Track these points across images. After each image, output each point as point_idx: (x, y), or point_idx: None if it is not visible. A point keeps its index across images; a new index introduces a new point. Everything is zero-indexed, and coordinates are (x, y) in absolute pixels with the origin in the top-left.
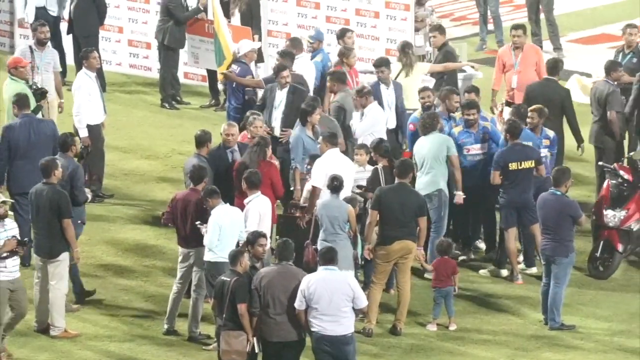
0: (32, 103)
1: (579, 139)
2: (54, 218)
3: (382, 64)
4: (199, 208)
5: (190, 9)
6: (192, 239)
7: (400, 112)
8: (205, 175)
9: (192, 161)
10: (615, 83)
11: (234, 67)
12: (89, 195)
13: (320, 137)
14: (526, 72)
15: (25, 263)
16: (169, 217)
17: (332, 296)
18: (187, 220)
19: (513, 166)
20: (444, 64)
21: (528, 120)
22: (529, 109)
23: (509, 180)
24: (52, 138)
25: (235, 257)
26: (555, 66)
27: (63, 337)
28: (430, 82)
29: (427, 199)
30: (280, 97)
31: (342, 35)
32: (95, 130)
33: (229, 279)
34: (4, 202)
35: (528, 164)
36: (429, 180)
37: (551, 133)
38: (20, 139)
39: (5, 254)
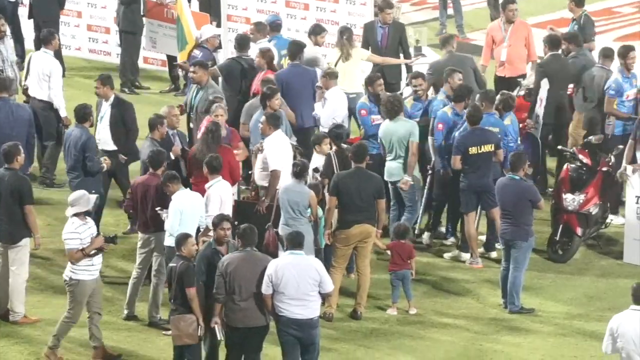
0: None
1: None
2: (15, 204)
3: None
4: (159, 192)
5: None
6: (152, 224)
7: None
8: (164, 159)
9: (145, 145)
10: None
11: (197, 52)
12: (105, 165)
13: (263, 118)
14: (516, 47)
15: None
16: (130, 203)
17: (300, 281)
18: (147, 205)
19: (473, 150)
20: (383, 58)
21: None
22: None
23: (469, 164)
24: (29, 122)
25: (179, 241)
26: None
27: (23, 323)
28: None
29: (398, 185)
30: (104, 110)
31: (316, 32)
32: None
33: (175, 264)
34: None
35: (487, 148)
36: (398, 166)
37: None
38: (0, 123)
39: (92, 252)
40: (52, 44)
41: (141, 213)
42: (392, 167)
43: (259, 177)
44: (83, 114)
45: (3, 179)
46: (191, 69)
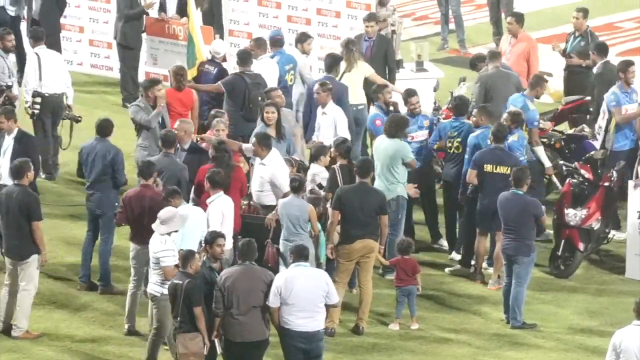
0: None
1: None
2: (23, 220)
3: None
4: (154, 203)
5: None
6: (148, 236)
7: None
8: (154, 170)
9: (162, 160)
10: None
11: (211, 68)
12: (126, 177)
13: (253, 140)
14: (516, 61)
15: None
16: (122, 216)
17: (309, 292)
18: (143, 216)
19: (488, 168)
20: (385, 81)
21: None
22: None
23: (483, 181)
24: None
25: (186, 258)
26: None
27: (24, 338)
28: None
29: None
30: (7, 144)
31: (302, 40)
32: None
33: (181, 282)
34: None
35: (503, 169)
36: (385, 187)
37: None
38: None
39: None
40: (45, 41)
41: (136, 224)
42: (379, 186)
43: (257, 197)
44: (106, 128)
45: (12, 194)
46: None
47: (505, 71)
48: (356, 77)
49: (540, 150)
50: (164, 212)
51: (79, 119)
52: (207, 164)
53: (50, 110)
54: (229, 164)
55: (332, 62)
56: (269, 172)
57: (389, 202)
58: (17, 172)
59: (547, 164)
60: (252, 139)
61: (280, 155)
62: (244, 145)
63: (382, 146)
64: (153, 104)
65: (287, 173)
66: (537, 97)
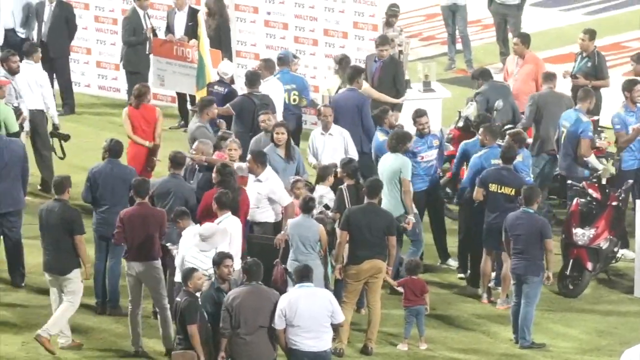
0: (12, 123)
1: None
2: (65, 235)
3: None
4: (151, 220)
5: (148, 26)
6: (142, 254)
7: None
8: (149, 188)
9: (170, 182)
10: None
11: (220, 89)
12: None
13: (249, 157)
14: (524, 81)
15: (19, 284)
16: (121, 236)
17: (314, 312)
18: (140, 235)
19: (492, 187)
20: (380, 94)
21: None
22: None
23: (488, 200)
24: (23, 158)
25: (186, 275)
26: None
27: (70, 347)
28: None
29: (398, 221)
30: None
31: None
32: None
33: (180, 299)
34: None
35: (507, 190)
36: (394, 203)
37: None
38: None
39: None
40: (34, 57)
41: (133, 242)
42: (387, 204)
43: (251, 214)
44: (117, 150)
45: (53, 210)
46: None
47: (559, 92)
48: None
49: (592, 159)
50: (206, 229)
51: (68, 137)
52: (212, 188)
53: (32, 127)
54: (235, 187)
55: (353, 74)
56: (266, 188)
57: (399, 218)
58: (58, 187)
59: (600, 167)
60: (249, 157)
61: (274, 172)
62: (236, 164)
63: (386, 163)
64: (209, 123)
65: (283, 186)
66: (588, 111)
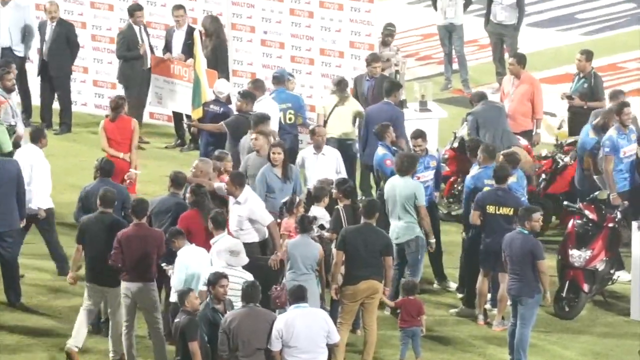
0: (6, 142)
1: None
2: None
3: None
4: (151, 241)
5: (144, 41)
6: (138, 274)
7: None
8: (147, 208)
9: (169, 200)
10: None
11: (216, 108)
12: None
13: (227, 179)
14: (519, 102)
15: (14, 302)
16: (118, 256)
17: (310, 333)
18: (138, 255)
19: (490, 209)
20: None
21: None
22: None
23: (486, 222)
24: (17, 177)
25: (182, 296)
26: None
27: None
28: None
29: (405, 245)
30: None
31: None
32: None
33: (179, 319)
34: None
35: (505, 210)
36: (405, 227)
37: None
38: None
39: None
40: (42, 142)
41: (130, 263)
42: (399, 227)
43: (237, 237)
44: (108, 169)
45: (101, 220)
46: None
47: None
48: (346, 111)
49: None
50: (234, 245)
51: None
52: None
53: None
54: (209, 208)
55: (391, 87)
56: (246, 210)
57: (408, 242)
58: (107, 201)
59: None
60: (227, 179)
61: (253, 192)
62: (216, 185)
63: (397, 186)
64: None
65: (264, 206)
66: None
